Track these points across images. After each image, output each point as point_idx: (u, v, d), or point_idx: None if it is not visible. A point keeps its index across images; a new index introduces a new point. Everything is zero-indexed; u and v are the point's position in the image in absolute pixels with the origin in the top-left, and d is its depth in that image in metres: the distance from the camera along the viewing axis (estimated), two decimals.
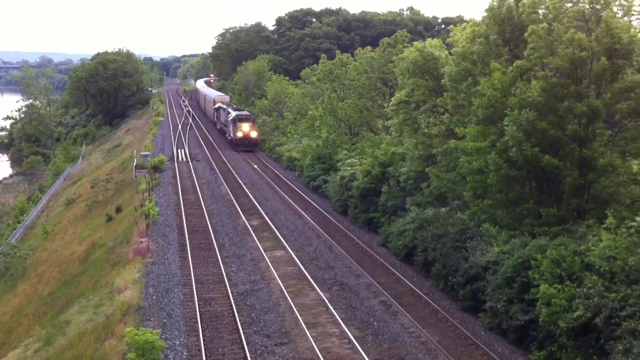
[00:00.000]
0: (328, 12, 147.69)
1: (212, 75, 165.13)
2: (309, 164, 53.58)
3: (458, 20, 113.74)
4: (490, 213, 28.66)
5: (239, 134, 73.09)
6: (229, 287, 29.08)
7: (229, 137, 77.43)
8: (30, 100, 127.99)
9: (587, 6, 27.09)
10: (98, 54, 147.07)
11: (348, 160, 46.24)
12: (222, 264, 32.35)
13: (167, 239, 37.05)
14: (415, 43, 38.86)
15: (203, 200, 46.52)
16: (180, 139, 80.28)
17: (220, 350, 23.15)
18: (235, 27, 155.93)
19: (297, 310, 26.34)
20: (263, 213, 43.01)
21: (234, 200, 46.64)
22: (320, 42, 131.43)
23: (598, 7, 26.81)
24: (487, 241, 27.12)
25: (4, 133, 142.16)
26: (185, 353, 22.83)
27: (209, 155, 68.30)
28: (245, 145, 72.74)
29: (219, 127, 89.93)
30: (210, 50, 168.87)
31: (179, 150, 70.58)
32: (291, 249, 34.97)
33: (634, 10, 27.37)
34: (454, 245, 28.49)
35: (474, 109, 29.54)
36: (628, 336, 18.61)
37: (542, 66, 27.66)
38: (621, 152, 26.31)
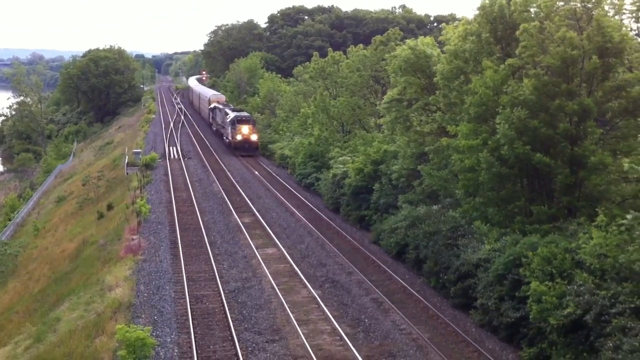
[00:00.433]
0: (320, 10, 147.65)
1: (204, 72, 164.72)
2: (301, 161, 53.58)
3: (450, 19, 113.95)
4: (481, 211, 28.75)
5: (238, 137, 67.91)
6: (221, 284, 29.04)
7: (227, 140, 72.16)
8: (21, 97, 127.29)
9: (579, 5, 27.18)
10: (89, 51, 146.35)
11: (340, 158, 46.26)
12: (214, 261, 32.31)
13: (158, 236, 36.97)
14: (407, 41, 38.90)
15: (195, 198, 46.43)
16: (172, 136, 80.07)
17: (211, 347, 23.13)
18: (227, 25, 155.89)
19: (289, 307, 26.34)
20: (255, 210, 42.98)
21: (226, 198, 46.58)
22: (312, 39, 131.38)
23: (589, 5, 26.91)
24: (479, 239, 27.20)
25: None
26: (176, 350, 22.79)
27: (200, 153, 68.18)
28: (245, 150, 67.83)
29: (214, 128, 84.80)
30: (202, 48, 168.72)
31: (171, 148, 70.40)
32: (283, 246, 34.96)
33: (625, 9, 27.49)
34: (446, 242, 28.55)
35: (466, 107, 29.59)
36: (618, 333, 18.69)
37: (534, 64, 27.74)
38: (612, 150, 26.43)
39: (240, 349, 22.67)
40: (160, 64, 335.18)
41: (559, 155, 26.85)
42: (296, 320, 25.07)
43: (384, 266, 32.00)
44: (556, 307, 20.86)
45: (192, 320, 25.02)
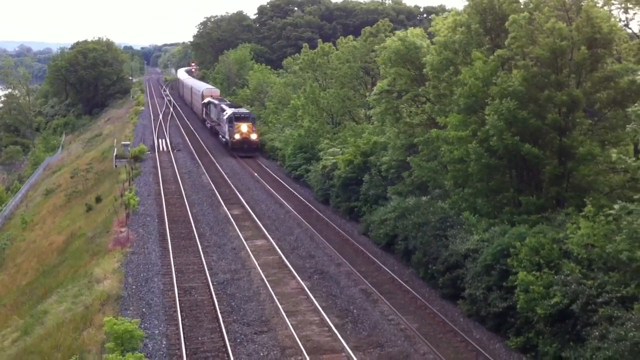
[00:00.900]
0: (310, 1, 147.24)
1: (193, 64, 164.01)
2: (290, 153, 53.47)
3: (440, 10, 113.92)
4: (470, 202, 28.78)
5: (237, 136, 61.91)
6: (209, 276, 28.97)
7: (223, 140, 66.41)
8: (9, 90, 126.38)
9: None
10: (77, 43, 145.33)
11: (330, 150, 46.18)
12: (203, 253, 32.22)
13: (147, 228, 36.83)
14: (397, 32, 38.84)
15: (184, 190, 46.27)
16: (161, 128, 79.74)
17: (199, 339, 23.08)
18: (216, 16, 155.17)
19: (278, 298, 26.31)
20: (244, 202, 42.88)
21: (215, 190, 46.45)
22: (302, 31, 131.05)
23: None
24: (467, 229, 27.24)
25: None
26: (164, 342, 22.73)
27: (190, 145, 67.90)
28: (245, 151, 61.73)
29: (209, 125, 78.69)
30: (192, 39, 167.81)
31: (160, 140, 70.10)
32: (272, 238, 34.91)
33: (614, 0, 27.51)
34: (435, 233, 28.57)
35: (456, 98, 29.58)
36: (604, 322, 18.80)
37: (523, 55, 27.74)
38: (600, 141, 26.52)
39: (229, 340, 22.64)
40: (149, 56, 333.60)
41: (547, 146, 26.91)
42: (285, 311, 25.05)
43: (373, 257, 32.01)
44: (543, 296, 20.95)
45: (180, 312, 24.96)
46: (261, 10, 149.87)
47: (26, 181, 78.92)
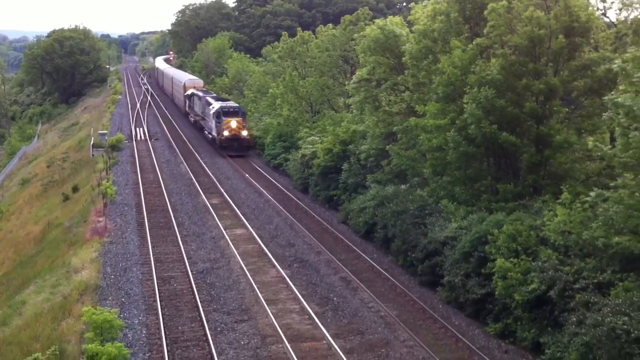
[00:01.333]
0: None
1: (171, 52, 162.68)
2: (270, 142, 53.34)
3: None
4: (449, 190, 28.95)
5: (225, 133, 55.72)
6: (189, 265, 28.89)
7: (210, 137, 60.41)
8: None
9: None
10: (54, 31, 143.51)
11: (309, 138, 46.13)
12: (182, 242, 32.11)
13: (125, 218, 36.60)
14: (376, 21, 38.75)
15: (162, 179, 46.00)
16: (138, 117, 79.09)
17: (179, 328, 23.03)
18: (195, 4, 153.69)
19: (258, 287, 26.31)
20: (223, 191, 42.74)
21: (194, 179, 46.24)
22: (281, 19, 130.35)
23: None
24: (446, 217, 27.40)
25: None
26: (144, 331, 22.65)
27: (168, 134, 67.43)
28: (235, 149, 55.75)
29: (192, 119, 72.90)
30: (170, 27, 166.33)
31: (138, 129, 69.53)
32: (252, 227, 34.86)
33: None
34: (414, 221, 28.71)
35: (434, 87, 29.67)
36: (581, 308, 19.04)
37: (502, 44, 27.87)
38: (577, 129, 26.78)
39: (209, 329, 22.61)
40: (126, 44, 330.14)
41: (525, 134, 27.12)
42: (265, 300, 25.07)
43: (352, 245, 32.11)
44: (521, 283, 21.18)
45: (160, 302, 24.87)
46: None
47: (2, 171, 78.04)
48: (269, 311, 23.98)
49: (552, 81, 25.90)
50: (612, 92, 20.50)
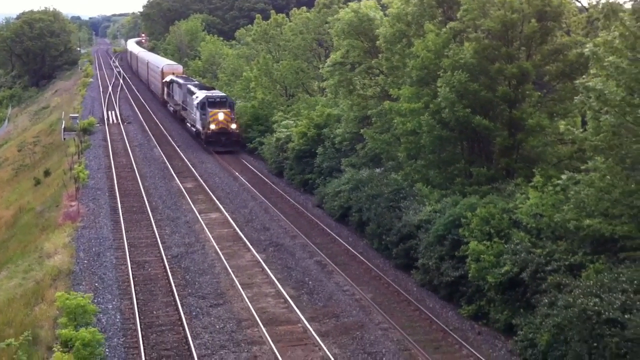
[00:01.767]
0: None
1: (143, 35, 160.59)
2: (244, 125, 53.04)
3: None
4: (423, 173, 29.10)
5: (212, 127, 49.54)
6: (163, 249, 28.77)
7: (194, 130, 54.31)
8: None
9: None
10: (23, 13, 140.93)
11: (284, 122, 46.00)
12: (156, 226, 31.93)
13: (98, 202, 36.28)
14: (350, 4, 38.67)
15: (135, 163, 45.61)
16: (110, 100, 78.16)
17: (154, 312, 22.97)
18: None
19: (233, 271, 26.31)
20: (197, 175, 42.52)
21: (168, 163, 45.92)
22: (255, 2, 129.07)
23: None
24: (420, 201, 27.57)
25: None
26: (118, 316, 22.57)
27: (140, 117, 66.75)
28: (223, 145, 49.93)
29: (172, 109, 66.57)
30: (142, 10, 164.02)
31: (110, 112, 68.75)
32: (226, 211, 34.77)
33: None
34: (388, 205, 28.85)
35: (408, 71, 29.71)
36: (553, 290, 19.34)
37: (475, 28, 27.95)
38: (549, 112, 27.05)
39: (184, 313, 22.59)
40: (97, 27, 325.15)
41: (498, 118, 27.32)
42: (240, 284, 25.08)
43: (327, 229, 32.20)
44: (494, 265, 21.42)
45: (134, 287, 24.78)
46: None
47: None
48: (244, 295, 24.01)
49: (524, 65, 26.09)
50: (584, 76, 20.69)
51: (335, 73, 37.88)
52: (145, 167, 44.89)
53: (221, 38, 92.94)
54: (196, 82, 62.66)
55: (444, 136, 27.54)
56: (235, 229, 31.76)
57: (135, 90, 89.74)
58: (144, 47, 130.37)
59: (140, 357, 19.70)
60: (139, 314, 22.46)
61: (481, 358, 19.76)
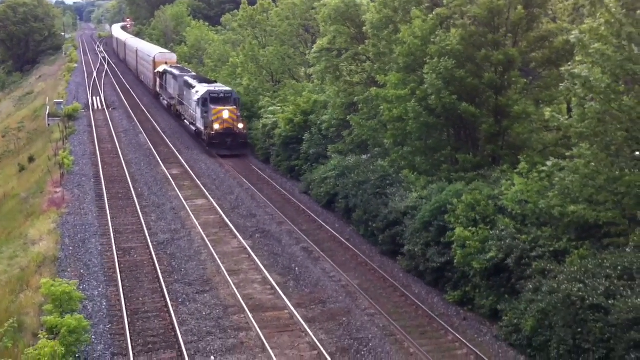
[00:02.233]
0: None
1: (128, 20, 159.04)
2: None
3: None
4: (409, 160, 29.15)
5: (216, 126, 43.82)
6: (149, 236, 28.69)
7: (194, 129, 48.46)
8: None
9: None
10: None
11: (270, 108, 45.82)
12: (142, 213, 31.81)
13: (83, 188, 36.08)
14: None
15: (120, 149, 45.35)
16: (95, 86, 77.52)
17: (140, 299, 22.93)
18: None
19: (219, 258, 26.29)
20: (183, 162, 42.35)
21: (153, 149, 45.69)
22: None
23: None
24: (406, 187, 27.64)
25: None
26: (104, 303, 22.51)
27: (125, 103, 66.28)
28: (228, 147, 44.15)
29: (165, 102, 61.50)
30: None
31: (95, 98, 68.23)
32: (212, 197, 34.69)
33: None
34: (375, 191, 28.89)
35: (395, 57, 29.67)
36: (538, 275, 19.50)
37: (461, 14, 27.92)
38: (535, 99, 27.13)
39: (171, 300, 22.56)
40: (82, 11, 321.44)
41: (484, 105, 27.37)
42: (227, 270, 25.07)
43: (314, 216, 32.23)
44: (479, 251, 21.55)
45: (120, 273, 24.70)
46: None
47: None
48: (230, 282, 24.02)
49: (510, 52, 26.12)
50: (569, 64, 20.78)
51: (322, 59, 37.79)
52: (130, 154, 44.64)
53: (207, 23, 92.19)
54: (194, 74, 57.69)
55: (430, 123, 27.58)
56: (221, 216, 31.71)
57: (121, 76, 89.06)
58: (129, 33, 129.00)
59: (127, 343, 19.67)
60: (125, 301, 22.41)
61: (466, 343, 19.92)
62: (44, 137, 52.51)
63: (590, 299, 16.78)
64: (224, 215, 31.64)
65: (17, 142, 56.19)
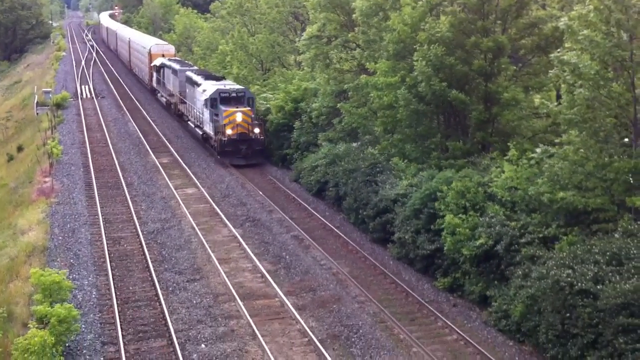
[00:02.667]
0: None
1: (116, 7, 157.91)
2: None
3: None
4: (399, 147, 29.17)
5: (228, 132, 37.95)
6: (139, 225, 28.60)
7: (201, 134, 42.28)
8: None
9: None
10: None
11: (262, 95, 45.63)
12: (131, 202, 31.70)
13: (72, 178, 35.89)
14: None
15: (110, 138, 45.12)
16: (84, 74, 76.97)
17: (130, 288, 22.89)
18: None
19: (210, 246, 26.26)
20: (173, 151, 42.17)
21: (143, 138, 45.47)
22: None
23: None
24: (397, 175, 27.65)
25: None
26: (94, 292, 22.46)
27: (114, 91, 65.86)
28: (244, 156, 38.42)
29: (164, 100, 55.81)
30: None
31: (83, 87, 67.77)
32: (202, 186, 34.60)
33: None
34: (365, 179, 28.89)
35: (385, 44, 29.60)
36: (527, 261, 19.61)
37: (451, 1, 27.88)
38: (524, 86, 27.17)
39: (161, 289, 22.54)
40: None
41: (473, 92, 27.40)
42: (217, 259, 25.06)
43: (304, 204, 32.22)
44: (469, 238, 21.64)
45: (110, 262, 24.64)
46: None
47: None
48: (221, 270, 24.01)
49: (500, 39, 26.12)
50: (559, 50, 20.79)
51: (311, 47, 37.63)
52: (120, 142, 44.43)
53: (196, 11, 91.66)
54: (196, 68, 52.43)
55: (420, 110, 27.57)
56: (211, 205, 31.65)
57: (109, 64, 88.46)
58: (117, 21, 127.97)
59: (117, 332, 19.65)
60: (115, 290, 22.37)
61: (456, 329, 20.03)
62: (32, 126, 52.16)
63: (579, 284, 16.89)
64: (214, 204, 31.58)
65: (6, 132, 55.82)
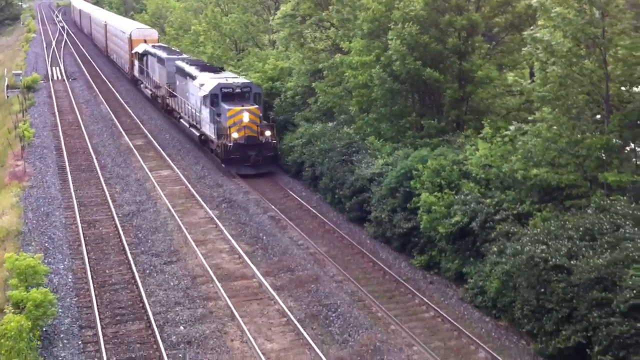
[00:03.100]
0: None
1: None
2: None
3: None
4: (375, 126, 29.20)
5: (235, 135, 32.44)
6: (114, 208, 28.39)
7: (199, 136, 36.76)
8: None
9: None
10: None
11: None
12: (105, 185, 31.43)
13: (45, 161, 35.46)
14: None
15: (82, 121, 44.58)
16: (54, 56, 75.70)
17: (107, 271, 22.77)
18: None
19: (186, 228, 26.17)
20: (147, 132, 41.80)
21: (116, 120, 44.99)
22: None
23: None
24: (372, 154, 27.70)
25: None
26: (70, 276, 22.31)
27: (86, 73, 64.93)
28: (253, 164, 32.96)
29: (149, 92, 50.27)
30: None
31: (54, 69, 66.71)
32: (178, 168, 34.37)
33: None
34: (341, 159, 28.88)
35: (359, 23, 29.51)
36: (502, 238, 19.83)
37: None
38: (498, 64, 27.31)
39: (138, 272, 22.45)
40: None
41: (448, 70, 27.46)
42: (194, 241, 24.99)
43: (280, 184, 32.18)
44: (445, 216, 21.80)
45: (85, 246, 24.46)
46: None
47: None
48: (198, 252, 23.96)
49: (473, 17, 26.16)
50: (532, 28, 20.89)
51: (285, 25, 37.42)
52: (92, 125, 43.93)
53: None
54: (187, 57, 45.66)
55: (395, 89, 27.60)
56: (187, 186, 31.48)
57: (80, 45, 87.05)
58: (88, 2, 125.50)
59: (94, 316, 19.56)
60: (91, 273, 22.24)
61: (433, 306, 20.24)
62: (3, 110, 51.31)
63: (553, 259, 17.11)
64: (189, 186, 31.42)
65: None
